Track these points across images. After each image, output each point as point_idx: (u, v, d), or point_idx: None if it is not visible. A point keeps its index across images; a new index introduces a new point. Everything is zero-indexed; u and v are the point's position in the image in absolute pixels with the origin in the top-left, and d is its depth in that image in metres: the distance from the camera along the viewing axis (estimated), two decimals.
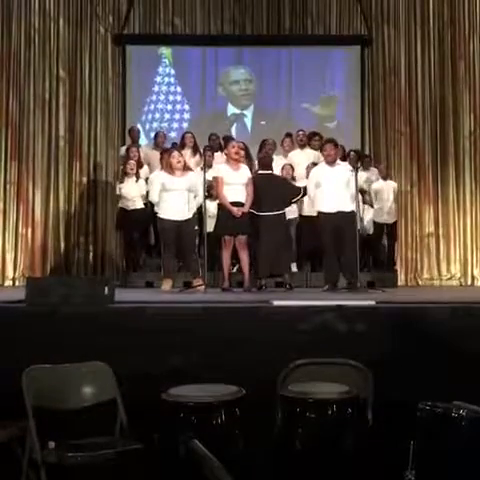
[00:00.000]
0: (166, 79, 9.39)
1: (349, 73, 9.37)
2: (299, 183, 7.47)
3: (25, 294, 4.02)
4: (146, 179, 7.81)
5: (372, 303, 4.25)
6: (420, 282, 9.00)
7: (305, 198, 7.30)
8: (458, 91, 9.10)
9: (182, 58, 9.46)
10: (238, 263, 6.78)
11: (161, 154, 7.70)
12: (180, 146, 7.90)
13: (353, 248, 6.26)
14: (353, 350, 3.41)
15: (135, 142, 8.49)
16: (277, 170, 7.39)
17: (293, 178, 7.62)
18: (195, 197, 6.46)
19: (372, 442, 3.06)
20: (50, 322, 3.69)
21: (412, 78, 9.19)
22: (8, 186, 8.86)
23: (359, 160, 7.92)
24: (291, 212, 7.22)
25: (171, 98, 9.37)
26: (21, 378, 2.95)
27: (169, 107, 9.37)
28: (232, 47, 9.49)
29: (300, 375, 3.22)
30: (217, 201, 6.73)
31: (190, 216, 6.42)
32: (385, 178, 8.19)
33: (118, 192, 7.91)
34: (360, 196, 7.16)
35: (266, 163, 6.87)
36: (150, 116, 9.34)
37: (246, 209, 6.35)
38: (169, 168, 6.46)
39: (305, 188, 6.79)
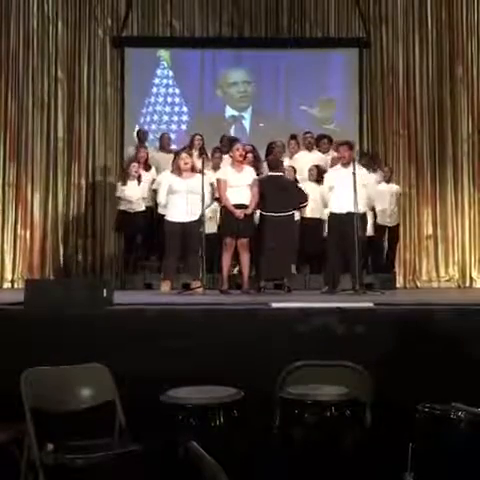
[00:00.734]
0: (164, 81, 9.39)
1: (347, 75, 9.38)
2: (300, 185, 7.50)
3: (24, 296, 4.02)
4: (153, 181, 7.81)
5: (371, 305, 4.25)
6: (419, 284, 9.00)
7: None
8: (456, 93, 9.12)
9: (180, 60, 9.46)
10: (238, 265, 6.78)
11: (174, 156, 7.70)
12: (188, 147, 7.89)
13: (360, 249, 6.27)
14: (352, 352, 3.41)
15: (141, 144, 8.49)
16: None
17: (295, 180, 7.62)
18: (203, 199, 6.42)
19: (371, 444, 3.06)
20: (49, 324, 3.69)
21: (410, 80, 9.20)
22: (7, 188, 8.86)
23: (372, 162, 7.90)
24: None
25: (169, 100, 9.38)
26: (20, 380, 2.95)
27: (167, 109, 9.37)
28: (230, 49, 9.49)
29: (299, 377, 3.22)
30: (215, 203, 6.75)
31: (196, 218, 6.39)
32: (388, 181, 8.20)
33: (120, 194, 7.88)
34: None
35: (276, 165, 6.87)
36: (148, 118, 9.35)
37: (250, 211, 6.36)
38: (177, 169, 6.47)
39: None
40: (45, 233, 8.88)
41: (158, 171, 7.92)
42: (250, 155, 7.22)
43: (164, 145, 8.50)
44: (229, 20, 9.31)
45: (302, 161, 8.00)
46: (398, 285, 8.39)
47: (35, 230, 8.86)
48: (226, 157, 7.90)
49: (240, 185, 6.37)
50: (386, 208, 8.07)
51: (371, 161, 7.88)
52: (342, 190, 6.31)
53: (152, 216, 7.73)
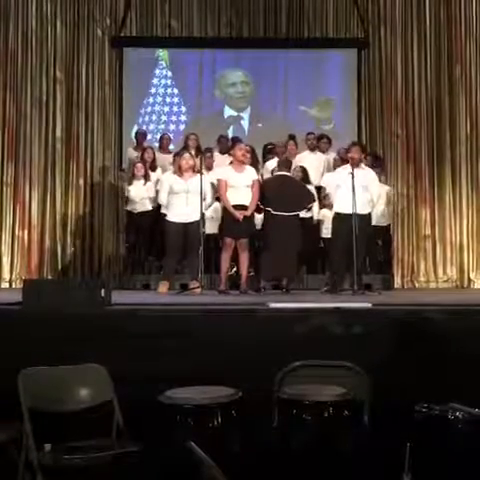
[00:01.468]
0: (163, 81, 9.39)
1: (346, 76, 9.38)
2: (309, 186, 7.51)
3: (22, 296, 4.02)
4: (157, 181, 7.80)
5: (368, 305, 4.25)
6: (416, 284, 9.01)
7: None
8: (454, 94, 9.12)
9: (179, 60, 9.46)
10: (237, 265, 6.78)
11: (174, 157, 7.71)
12: (183, 147, 7.89)
13: (362, 250, 6.28)
14: (350, 352, 3.41)
15: (140, 145, 8.49)
16: None
17: (307, 180, 7.59)
18: (204, 199, 6.43)
19: (369, 444, 3.06)
20: (47, 324, 3.69)
21: (409, 81, 9.20)
22: (5, 188, 8.85)
23: (375, 162, 7.90)
24: None
25: (168, 100, 9.37)
26: (17, 380, 2.95)
27: (166, 109, 9.37)
28: (229, 50, 9.49)
29: (297, 377, 3.22)
30: (215, 203, 6.75)
31: (196, 218, 6.39)
32: (379, 181, 8.18)
33: (126, 194, 7.88)
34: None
35: (285, 164, 6.89)
36: (147, 118, 9.34)
37: (250, 212, 6.36)
38: (178, 170, 6.48)
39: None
40: (43, 233, 8.87)
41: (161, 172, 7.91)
42: (248, 155, 7.23)
43: (164, 146, 8.50)
44: (228, 20, 9.31)
45: (305, 162, 7.99)
46: (396, 286, 8.39)
47: (33, 230, 8.85)
48: (217, 155, 7.93)
49: (240, 185, 6.37)
50: (378, 208, 8.04)
51: (376, 162, 7.89)
52: (349, 191, 6.30)
53: (157, 216, 7.72)
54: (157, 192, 7.58)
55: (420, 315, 3.93)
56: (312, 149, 8.29)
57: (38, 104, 8.96)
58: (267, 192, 6.51)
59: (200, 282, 6.28)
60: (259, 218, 6.71)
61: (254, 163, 7.46)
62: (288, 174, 6.85)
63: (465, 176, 9.09)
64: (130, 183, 7.84)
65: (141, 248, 7.92)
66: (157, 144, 8.60)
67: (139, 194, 7.72)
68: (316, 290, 6.63)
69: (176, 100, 9.38)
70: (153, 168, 7.96)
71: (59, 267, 8.84)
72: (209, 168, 7.48)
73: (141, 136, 8.65)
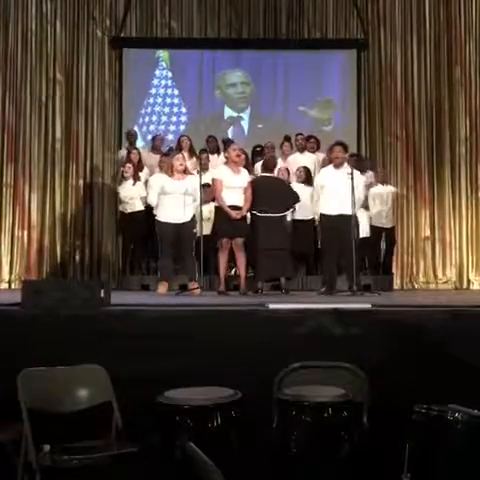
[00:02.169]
0: (163, 82, 9.40)
1: (345, 77, 9.39)
2: (295, 187, 7.52)
3: (21, 297, 4.02)
4: (145, 182, 7.82)
5: (368, 306, 4.25)
6: (416, 285, 9.02)
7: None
8: (454, 95, 9.13)
9: (179, 61, 9.47)
10: (235, 265, 6.79)
11: (161, 158, 7.72)
12: (177, 149, 7.91)
13: (352, 251, 6.27)
14: (349, 353, 3.41)
15: (132, 145, 8.50)
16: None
17: (309, 180, 7.61)
18: (194, 200, 6.46)
19: (368, 445, 3.06)
20: (46, 325, 3.68)
21: (408, 81, 9.21)
22: (4, 188, 8.86)
23: (358, 164, 7.91)
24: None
25: (168, 101, 9.38)
26: (16, 381, 2.95)
27: (166, 110, 9.38)
28: (229, 50, 9.50)
29: (296, 378, 3.22)
30: (212, 204, 6.74)
31: (189, 219, 6.42)
32: (383, 183, 8.21)
33: (118, 195, 7.90)
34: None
35: (270, 166, 6.90)
36: (147, 119, 9.35)
37: (244, 213, 6.37)
38: (170, 170, 6.47)
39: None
40: (42, 234, 8.87)
41: (152, 172, 7.92)
42: (243, 156, 7.26)
43: (157, 146, 8.50)
44: (227, 21, 9.32)
45: (294, 163, 8.01)
46: (395, 287, 8.39)
47: (32, 231, 8.86)
48: (213, 157, 7.95)
49: (236, 187, 6.38)
50: (382, 210, 8.07)
51: (359, 163, 7.90)
52: (333, 191, 6.30)
53: (149, 216, 7.73)
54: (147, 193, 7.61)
55: (419, 316, 3.93)
56: (301, 150, 8.28)
57: (38, 105, 8.97)
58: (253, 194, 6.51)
59: (199, 283, 6.29)
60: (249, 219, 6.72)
61: (248, 165, 7.49)
62: (273, 175, 6.85)
63: (464, 177, 9.10)
64: (120, 183, 7.86)
65: (136, 248, 7.92)
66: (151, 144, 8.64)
67: (129, 194, 7.74)
68: (315, 291, 6.63)
69: (176, 101, 9.39)
70: (140, 168, 7.97)
71: (58, 268, 8.84)
72: (205, 168, 7.50)
73: (132, 136, 8.65)
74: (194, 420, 2.89)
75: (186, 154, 7.87)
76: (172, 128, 9.31)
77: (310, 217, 7.47)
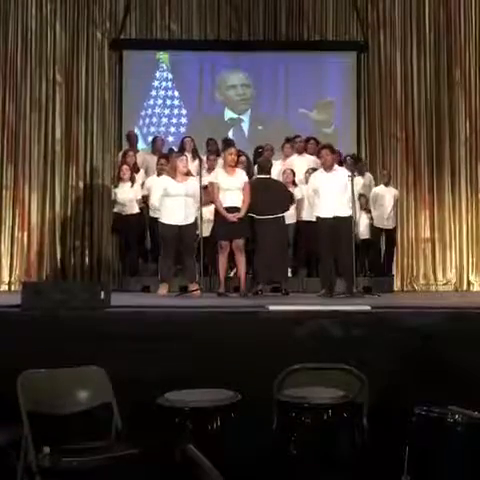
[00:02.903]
0: (164, 84, 9.40)
1: (345, 79, 9.40)
2: (298, 188, 7.52)
3: (21, 299, 4.02)
4: (142, 184, 7.83)
5: (368, 308, 4.25)
6: (416, 287, 9.01)
7: (305, 203, 7.35)
8: (454, 97, 9.13)
9: (179, 63, 9.47)
10: (235, 267, 6.79)
11: (158, 159, 7.72)
12: (179, 151, 7.90)
13: (349, 253, 6.27)
14: (349, 355, 3.41)
15: (133, 147, 8.50)
16: (276, 175, 7.42)
17: (293, 183, 7.62)
18: (196, 202, 6.45)
19: (368, 447, 3.06)
20: (46, 326, 3.68)
21: (408, 84, 9.21)
22: (4, 190, 8.84)
23: (355, 165, 7.93)
24: (289, 217, 7.21)
25: (169, 102, 9.38)
26: (16, 382, 2.95)
27: (166, 111, 9.38)
28: (229, 52, 9.50)
29: (296, 380, 3.22)
30: (212, 206, 6.75)
31: (191, 221, 6.41)
32: (387, 184, 8.21)
33: (113, 197, 7.92)
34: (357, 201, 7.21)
35: (265, 168, 6.89)
36: (147, 120, 9.35)
37: (242, 214, 6.37)
38: (173, 172, 6.47)
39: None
40: (42, 235, 8.86)
41: (152, 174, 7.92)
42: (243, 158, 7.26)
43: (157, 148, 8.50)
44: (227, 23, 9.32)
45: (295, 165, 8.01)
46: (395, 288, 8.38)
47: (32, 232, 8.85)
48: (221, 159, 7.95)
49: (232, 188, 6.39)
50: (384, 211, 8.07)
51: (355, 164, 7.90)
52: (327, 194, 6.31)
53: (146, 218, 7.75)
54: (143, 196, 7.62)
55: (419, 318, 3.93)
56: (300, 152, 8.28)
57: (37, 106, 8.96)
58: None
59: (199, 285, 6.29)
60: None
61: (249, 166, 7.49)
62: (268, 177, 6.84)
63: (464, 179, 9.10)
64: (116, 186, 7.86)
65: (133, 250, 7.93)
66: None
67: (126, 196, 7.74)
68: (315, 293, 6.63)
69: (176, 102, 9.39)
70: (136, 170, 7.98)
71: (58, 269, 8.83)
72: (212, 170, 7.50)
73: (132, 137, 8.65)
74: (194, 422, 2.89)
75: (189, 156, 7.87)
76: (172, 130, 9.31)
77: (312, 218, 7.47)
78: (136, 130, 9.03)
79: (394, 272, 8.62)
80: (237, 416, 2.96)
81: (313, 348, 3.56)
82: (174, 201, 6.39)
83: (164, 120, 9.35)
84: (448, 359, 3.54)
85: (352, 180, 6.37)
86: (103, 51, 9.18)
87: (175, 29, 9.31)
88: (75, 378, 3.16)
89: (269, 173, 6.93)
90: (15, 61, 8.96)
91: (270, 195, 6.59)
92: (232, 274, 7.03)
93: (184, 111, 9.37)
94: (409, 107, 9.18)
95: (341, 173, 6.54)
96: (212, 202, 6.69)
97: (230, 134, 9.18)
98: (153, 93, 9.36)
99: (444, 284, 9.01)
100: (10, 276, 8.74)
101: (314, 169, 7.68)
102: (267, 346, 3.59)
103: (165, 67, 9.40)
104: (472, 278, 9.01)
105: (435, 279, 9.04)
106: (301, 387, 3.15)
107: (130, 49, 9.31)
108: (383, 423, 3.20)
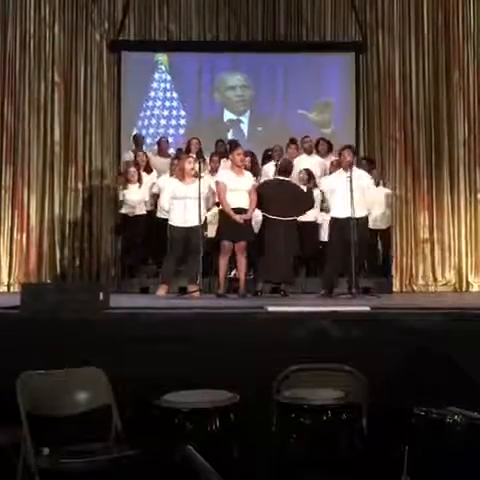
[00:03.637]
0: (162, 85, 9.40)
1: (344, 79, 9.40)
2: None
3: (20, 300, 4.02)
4: (152, 185, 7.80)
5: (367, 309, 4.26)
6: (415, 288, 9.01)
7: None
8: (452, 98, 9.14)
9: (178, 64, 9.47)
10: (235, 268, 6.78)
11: (172, 160, 7.71)
12: (185, 151, 7.90)
13: (359, 253, 6.29)
14: (348, 356, 3.41)
15: (139, 148, 8.50)
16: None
17: (310, 183, 7.54)
18: (199, 202, 6.42)
19: (367, 447, 3.06)
20: (45, 328, 3.68)
21: (406, 84, 9.22)
22: (3, 191, 8.84)
23: (370, 167, 7.90)
24: None
25: (167, 104, 9.39)
26: (16, 384, 2.95)
27: (165, 113, 9.38)
28: (228, 53, 9.51)
29: (295, 381, 3.22)
30: (215, 209, 6.76)
31: (199, 223, 6.38)
32: (377, 185, 8.20)
33: (122, 198, 7.90)
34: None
35: (286, 169, 6.87)
36: (146, 122, 9.35)
37: (248, 216, 6.36)
38: (181, 173, 6.47)
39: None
40: (41, 237, 8.86)
41: (158, 175, 7.92)
42: (248, 159, 7.24)
43: (162, 149, 8.51)
44: (226, 24, 9.33)
45: (302, 165, 7.99)
46: (394, 289, 8.38)
47: (31, 234, 8.84)
48: (224, 161, 7.94)
49: (239, 189, 6.38)
50: (377, 211, 8.06)
51: (368, 165, 7.89)
52: (343, 193, 6.30)
53: (152, 220, 7.73)
54: (152, 195, 7.62)
55: (419, 318, 3.93)
56: (309, 152, 8.29)
57: (36, 108, 8.96)
58: (264, 196, 6.52)
59: (199, 286, 6.28)
60: (257, 222, 6.71)
61: (254, 167, 7.47)
62: (286, 178, 6.82)
63: (463, 179, 9.10)
64: (125, 187, 7.85)
65: (138, 251, 7.92)
66: (155, 148, 8.63)
67: (134, 198, 7.74)
68: (315, 293, 6.63)
69: (175, 104, 9.39)
70: (148, 171, 7.97)
71: (57, 271, 8.83)
72: (215, 171, 7.50)
73: (139, 140, 8.67)
74: (193, 423, 2.89)
75: (194, 157, 7.85)
76: (171, 131, 9.31)
77: (312, 219, 7.48)
78: (135, 131, 9.04)
79: (393, 273, 8.62)
80: (236, 417, 2.96)
81: (312, 349, 3.55)
82: (181, 203, 6.39)
83: (163, 121, 9.36)
84: (447, 360, 3.54)
85: (350, 180, 6.36)
86: (102, 52, 9.18)
87: (174, 30, 9.31)
88: (74, 379, 3.16)
89: (289, 175, 6.88)
90: (14, 62, 8.96)
91: (286, 197, 6.57)
92: (232, 275, 7.03)
93: (183, 112, 9.37)
94: (408, 108, 9.18)
95: (361, 175, 6.56)
96: (217, 204, 6.68)
97: (229, 135, 9.19)
98: (152, 94, 9.37)
99: (443, 285, 9.01)
100: (9, 277, 8.74)
101: (306, 170, 7.66)
102: (266, 347, 3.59)
103: (164, 68, 9.41)
104: (471, 279, 9.01)
105: (434, 280, 9.04)
106: (300, 388, 3.15)
107: (129, 50, 9.31)
108: (382, 424, 3.20)
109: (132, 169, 7.81)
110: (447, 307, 4.65)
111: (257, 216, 6.70)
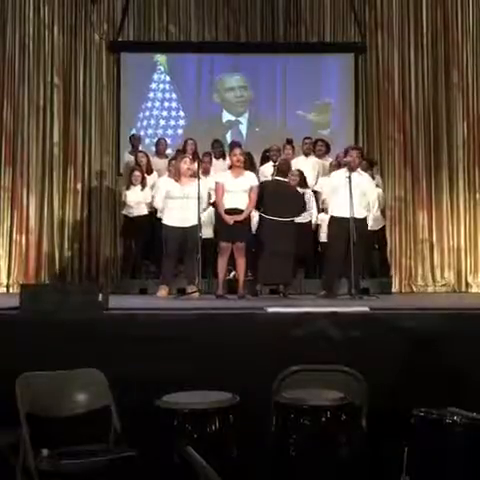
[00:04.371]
0: (161, 86, 9.41)
1: (343, 80, 9.41)
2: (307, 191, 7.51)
3: (19, 301, 4.02)
4: (152, 185, 7.80)
5: (366, 309, 4.26)
6: (414, 288, 9.01)
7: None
8: (451, 98, 9.14)
9: (177, 65, 9.48)
10: (234, 269, 6.78)
11: (169, 161, 7.71)
12: (181, 152, 7.90)
13: (361, 253, 6.29)
14: (347, 356, 3.41)
15: (135, 148, 8.50)
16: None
17: (305, 183, 7.55)
18: (201, 204, 6.43)
19: (366, 449, 3.06)
20: (44, 329, 3.68)
21: (406, 85, 9.22)
22: (2, 192, 8.84)
23: (371, 168, 7.90)
24: None
25: (166, 105, 9.39)
26: (15, 385, 2.94)
27: (164, 113, 9.38)
28: (227, 54, 9.51)
29: (294, 382, 3.22)
30: (210, 209, 6.75)
31: (195, 222, 6.40)
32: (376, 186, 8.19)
33: (124, 199, 7.90)
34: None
35: (284, 169, 6.88)
36: (145, 123, 9.36)
37: (241, 217, 6.35)
38: (177, 173, 6.47)
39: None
40: (41, 238, 8.86)
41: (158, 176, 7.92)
42: (242, 159, 7.24)
43: (161, 150, 8.51)
44: (225, 25, 9.34)
45: (300, 166, 7.99)
46: (394, 290, 8.38)
47: (30, 235, 8.84)
48: (216, 162, 7.95)
49: (237, 190, 6.38)
50: (374, 213, 8.05)
51: (369, 166, 7.90)
52: (346, 194, 6.29)
53: (154, 220, 7.73)
54: (153, 197, 7.62)
55: (418, 319, 3.93)
56: (307, 154, 8.29)
57: (35, 109, 8.96)
58: (261, 196, 6.51)
59: (198, 287, 6.28)
60: (255, 222, 6.71)
61: (250, 168, 7.47)
62: (283, 179, 6.82)
63: (462, 180, 9.11)
64: (127, 188, 7.85)
65: (138, 252, 7.92)
66: (154, 148, 8.63)
67: (136, 199, 7.74)
68: (314, 294, 6.63)
69: (174, 105, 9.39)
70: (149, 172, 7.97)
71: (57, 272, 8.83)
72: (206, 172, 7.50)
73: (136, 140, 8.66)
74: (193, 424, 2.88)
75: (190, 157, 7.84)
76: (170, 132, 9.31)
77: (308, 220, 7.48)
78: (134, 132, 9.04)
79: (392, 273, 8.63)
80: (236, 418, 2.96)
81: (312, 350, 3.55)
82: (176, 203, 6.39)
83: (162, 122, 9.36)
84: (447, 360, 3.55)
85: (350, 181, 6.36)
86: (101, 53, 9.19)
87: (173, 31, 9.32)
88: (74, 380, 3.16)
89: (286, 176, 6.89)
90: (13, 64, 8.96)
91: (283, 198, 6.59)
92: (231, 276, 7.03)
93: (182, 113, 9.38)
94: (407, 108, 9.19)
95: (364, 176, 6.57)
96: (213, 205, 6.68)
97: (228, 136, 9.19)
98: (151, 95, 9.37)
99: (442, 285, 9.02)
100: (8, 278, 8.74)
101: (299, 170, 7.65)
102: (266, 348, 3.59)
103: (163, 69, 9.41)
104: (470, 279, 9.02)
105: (433, 280, 9.04)
106: (300, 389, 3.15)
107: (128, 51, 9.32)
108: (382, 424, 3.20)
109: (137, 173, 7.79)
110: (446, 308, 4.65)
111: (255, 216, 6.70)
